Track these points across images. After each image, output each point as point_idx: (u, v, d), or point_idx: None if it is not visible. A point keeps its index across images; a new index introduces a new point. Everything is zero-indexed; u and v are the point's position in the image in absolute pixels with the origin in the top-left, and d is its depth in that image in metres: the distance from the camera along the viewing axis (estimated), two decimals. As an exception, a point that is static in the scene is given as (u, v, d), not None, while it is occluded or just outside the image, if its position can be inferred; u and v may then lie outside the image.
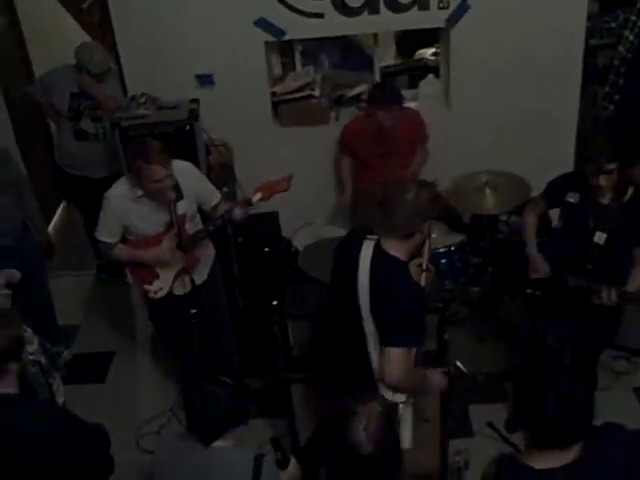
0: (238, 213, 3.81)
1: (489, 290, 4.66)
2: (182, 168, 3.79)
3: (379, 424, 2.36)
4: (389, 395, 3.06)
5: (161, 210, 3.73)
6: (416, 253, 3.07)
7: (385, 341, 2.96)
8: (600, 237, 3.57)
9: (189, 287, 3.83)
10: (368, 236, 3.02)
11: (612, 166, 3.43)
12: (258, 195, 3.79)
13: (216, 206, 3.95)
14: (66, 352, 4.79)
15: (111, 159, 5.06)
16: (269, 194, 3.81)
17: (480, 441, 4.01)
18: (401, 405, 3.07)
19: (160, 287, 3.90)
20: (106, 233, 3.86)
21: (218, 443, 2.78)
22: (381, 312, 2.95)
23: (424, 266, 3.11)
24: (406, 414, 3.11)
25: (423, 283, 3.07)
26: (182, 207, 3.74)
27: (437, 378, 3.27)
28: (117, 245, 3.89)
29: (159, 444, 3.37)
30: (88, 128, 5.15)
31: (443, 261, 4.53)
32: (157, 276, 3.90)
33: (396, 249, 2.96)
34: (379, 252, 2.97)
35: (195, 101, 4.81)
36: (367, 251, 2.98)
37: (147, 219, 3.78)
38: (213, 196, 3.97)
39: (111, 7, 4.84)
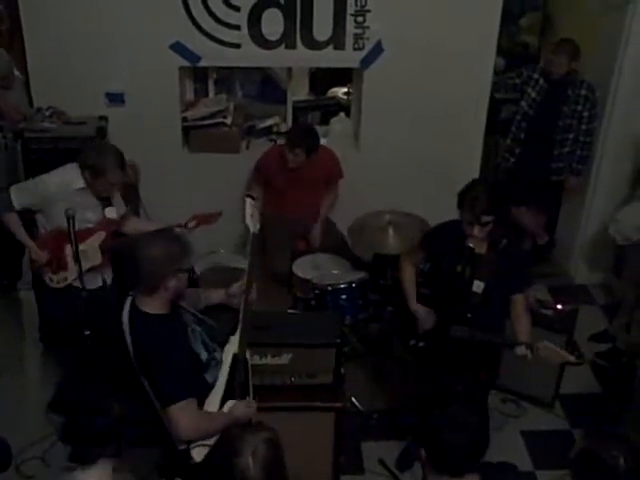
0: None
1: (387, 328, 4.72)
2: None
3: (272, 453, 2.28)
4: (182, 446, 2.91)
5: (89, 209, 3.93)
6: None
7: (161, 401, 2.85)
8: (478, 286, 3.66)
9: (100, 283, 4.09)
10: (130, 292, 2.97)
11: (488, 219, 3.52)
12: (194, 222, 4.11)
13: None
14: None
15: (11, 170, 4.90)
16: (199, 223, 4.13)
17: (370, 478, 4.02)
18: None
19: (65, 277, 3.96)
20: (21, 194, 3.90)
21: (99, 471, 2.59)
22: (147, 372, 2.86)
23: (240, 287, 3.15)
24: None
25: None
26: (112, 212, 4.04)
27: (241, 409, 3.03)
28: (14, 212, 3.92)
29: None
30: (-11, 137, 4.97)
31: (344, 297, 4.55)
32: (66, 267, 3.96)
33: (144, 304, 2.90)
34: (134, 309, 2.92)
35: (104, 119, 4.73)
36: (126, 308, 2.94)
37: (76, 211, 3.75)
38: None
39: (22, 16, 4.73)
